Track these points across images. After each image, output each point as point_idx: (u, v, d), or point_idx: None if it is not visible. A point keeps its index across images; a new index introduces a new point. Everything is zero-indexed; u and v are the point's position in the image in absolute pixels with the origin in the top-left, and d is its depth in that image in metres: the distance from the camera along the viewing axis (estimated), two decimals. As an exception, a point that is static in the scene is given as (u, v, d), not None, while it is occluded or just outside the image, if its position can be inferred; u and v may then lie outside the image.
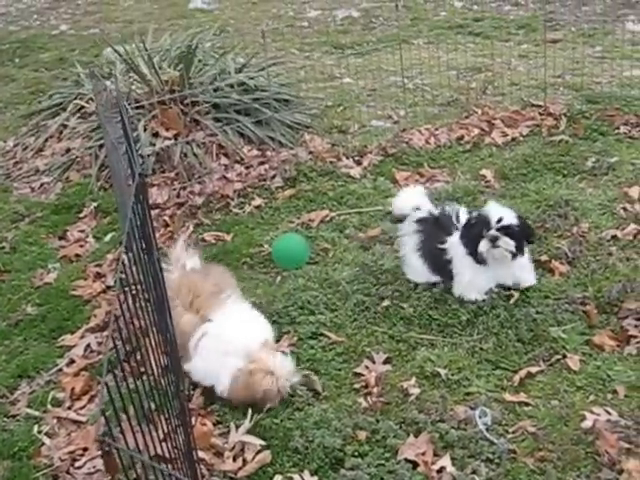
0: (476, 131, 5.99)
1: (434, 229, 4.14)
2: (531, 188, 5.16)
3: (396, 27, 8.71)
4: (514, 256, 3.92)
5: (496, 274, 4.02)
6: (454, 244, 4.03)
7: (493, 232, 3.85)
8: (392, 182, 5.42)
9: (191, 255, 4.12)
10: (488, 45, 8.00)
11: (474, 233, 3.91)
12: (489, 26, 8.87)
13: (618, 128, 5.90)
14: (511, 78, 7.11)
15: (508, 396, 3.42)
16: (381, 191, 5.30)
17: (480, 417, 3.26)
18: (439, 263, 4.10)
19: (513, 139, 5.88)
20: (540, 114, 6.19)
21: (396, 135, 6.05)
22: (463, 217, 4.11)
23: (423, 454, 3.11)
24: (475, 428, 3.23)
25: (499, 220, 3.86)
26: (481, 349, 3.71)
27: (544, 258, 4.31)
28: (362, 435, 3.25)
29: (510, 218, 3.90)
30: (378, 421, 3.31)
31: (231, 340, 3.53)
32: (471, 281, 4.01)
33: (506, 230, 3.86)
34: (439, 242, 4.08)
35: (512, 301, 3.98)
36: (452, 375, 3.55)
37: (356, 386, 3.58)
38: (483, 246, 3.87)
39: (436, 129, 6.09)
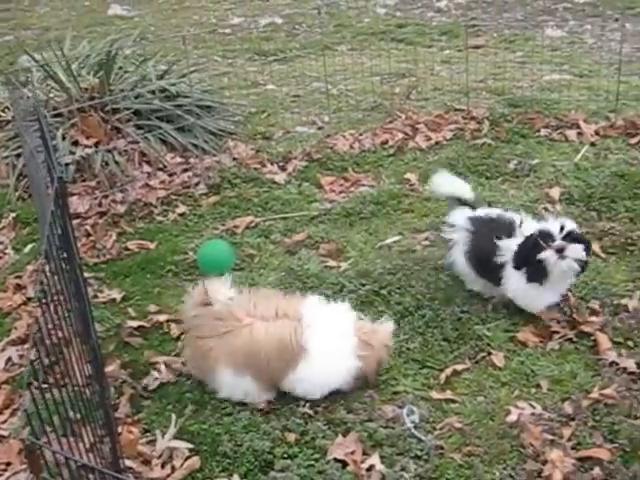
0: (400, 135, 6.12)
1: (490, 229, 3.95)
2: (455, 191, 5.29)
3: (319, 34, 8.85)
4: (583, 268, 3.79)
5: (554, 289, 3.87)
6: (510, 248, 3.84)
7: (559, 242, 3.68)
8: (317, 187, 5.51)
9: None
10: (411, 51, 8.17)
11: (533, 248, 3.70)
12: (412, 32, 9.07)
13: (539, 131, 6.10)
14: (434, 83, 7.29)
15: (435, 394, 3.51)
16: (306, 196, 5.38)
17: (408, 415, 3.34)
18: (489, 266, 3.93)
19: (437, 143, 6.03)
20: (463, 118, 6.36)
21: (320, 140, 6.15)
22: (528, 224, 3.91)
23: (352, 453, 3.17)
24: (403, 426, 3.30)
25: (562, 228, 3.70)
26: (408, 349, 3.80)
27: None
28: (291, 437, 3.30)
29: (571, 224, 3.76)
30: (307, 423, 3.36)
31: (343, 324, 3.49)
32: (529, 294, 3.87)
33: (572, 237, 3.70)
34: (494, 243, 3.88)
35: (437, 302, 4.09)
36: (379, 376, 3.63)
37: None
38: (549, 259, 3.67)
39: (360, 134, 6.21)
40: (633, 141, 5.88)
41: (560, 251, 3.67)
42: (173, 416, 3.46)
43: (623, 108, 6.35)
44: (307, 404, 3.45)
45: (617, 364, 3.57)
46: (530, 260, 3.73)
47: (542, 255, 3.68)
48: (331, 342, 3.43)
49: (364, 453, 3.18)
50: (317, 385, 3.47)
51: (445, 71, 7.71)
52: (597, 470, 3.02)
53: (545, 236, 3.70)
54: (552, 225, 3.76)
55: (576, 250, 3.70)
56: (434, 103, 6.79)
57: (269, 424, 3.36)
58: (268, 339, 3.37)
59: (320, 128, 6.53)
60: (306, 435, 3.30)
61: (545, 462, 3.08)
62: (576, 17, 9.38)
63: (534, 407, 3.38)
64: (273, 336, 3.38)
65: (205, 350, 3.44)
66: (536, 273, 3.75)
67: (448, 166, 5.59)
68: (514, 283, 3.88)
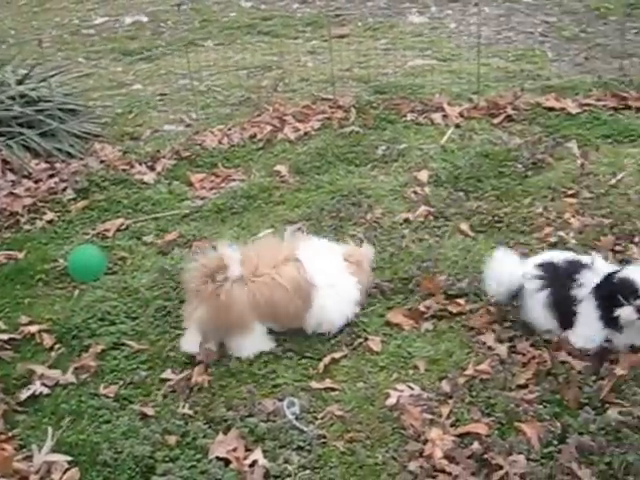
0: (268, 128, 6.08)
1: (561, 274, 3.64)
2: (325, 180, 5.32)
3: (185, 30, 8.72)
4: None
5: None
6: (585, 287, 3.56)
7: None
8: (187, 185, 5.42)
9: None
10: (277, 43, 8.16)
11: (614, 297, 3.43)
12: (278, 25, 9.02)
13: (405, 116, 6.18)
14: (301, 74, 7.29)
15: (314, 384, 3.50)
16: (176, 195, 5.30)
17: (288, 407, 3.32)
18: (565, 311, 3.61)
19: (305, 133, 6.02)
20: (330, 107, 6.37)
21: (189, 138, 6.06)
22: (599, 264, 3.63)
23: (234, 450, 3.13)
24: (284, 419, 3.28)
25: None
26: (285, 341, 3.78)
27: (342, 246, 4.45)
28: (172, 439, 3.23)
29: None
30: (187, 423, 3.31)
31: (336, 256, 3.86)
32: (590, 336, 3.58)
33: None
34: (568, 288, 3.59)
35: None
36: (259, 370, 3.60)
37: (163, 392, 3.55)
38: (628, 315, 3.40)
39: (229, 129, 6.14)
40: (496, 121, 6.03)
41: None
42: (49, 429, 3.36)
43: (485, 90, 6.49)
44: (186, 405, 3.40)
45: (490, 344, 3.65)
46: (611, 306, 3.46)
47: (621, 312, 3.43)
48: (333, 274, 3.77)
49: (246, 449, 3.15)
50: (334, 316, 3.77)
51: (311, 62, 7.71)
52: (476, 445, 3.07)
53: (626, 288, 3.41)
54: (636, 273, 3.44)
55: None
56: (301, 94, 6.79)
57: (149, 428, 3.29)
58: (283, 285, 3.63)
59: (188, 125, 6.43)
60: (187, 436, 3.25)
61: (426, 441, 3.13)
62: (437, 3, 9.52)
63: (412, 388, 3.42)
64: (286, 281, 3.64)
65: (228, 308, 3.55)
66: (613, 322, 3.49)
67: (317, 156, 5.61)
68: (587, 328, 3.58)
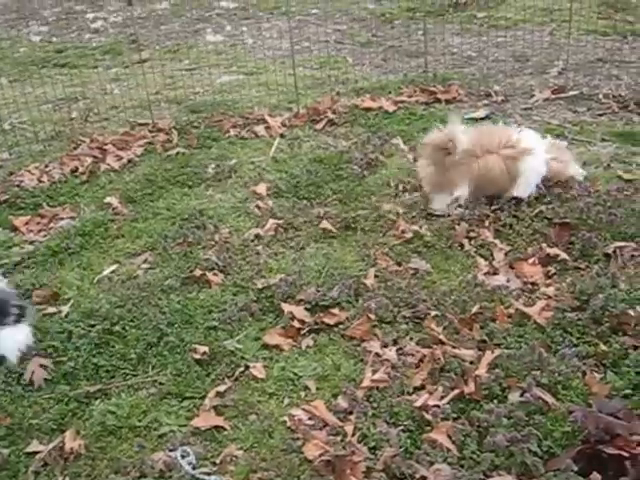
0: (89, 160, 5.49)
1: None
2: (161, 205, 4.85)
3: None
4: None
5: None
6: None
7: None
8: (12, 231, 4.74)
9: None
10: (77, 74, 7.53)
11: None
12: (73, 55, 8.33)
13: (228, 132, 5.83)
14: (110, 102, 6.71)
15: (203, 425, 3.05)
16: (2, 243, 4.60)
17: (183, 457, 2.85)
18: None
19: (129, 161, 5.51)
20: (150, 131, 5.90)
21: (4, 180, 5.35)
22: None
23: (133, 520, 2.64)
24: (181, 472, 2.80)
25: None
26: (161, 383, 3.30)
27: (198, 273, 4.01)
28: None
29: None
30: (69, 499, 2.77)
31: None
32: None
33: None
34: None
35: (177, 325, 3.62)
36: (139, 422, 3.09)
37: (34, 468, 2.95)
38: None
39: (46, 165, 5.49)
40: (318, 126, 5.81)
41: None
42: None
43: (300, 98, 6.24)
44: (66, 478, 2.84)
45: (376, 350, 3.35)
46: None
47: None
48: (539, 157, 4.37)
49: (148, 517, 2.66)
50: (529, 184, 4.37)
51: (117, 89, 7.14)
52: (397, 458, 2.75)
53: None
54: None
55: None
56: (116, 122, 6.25)
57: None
58: (495, 167, 4.28)
59: (1, 167, 5.69)
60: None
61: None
62: (231, 21, 9.24)
63: (309, 412, 3.05)
64: (498, 164, 4.28)
65: (449, 175, 4.32)
66: None
67: (147, 182, 5.13)
68: None
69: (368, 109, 5.99)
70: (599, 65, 6.64)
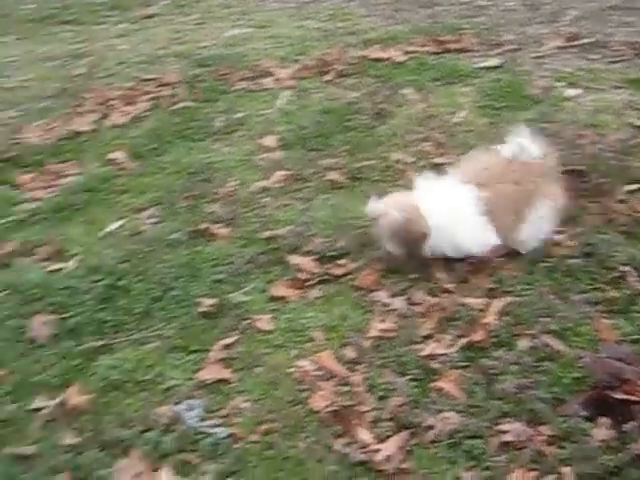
0: (94, 116, 5.40)
1: None
2: (168, 160, 4.75)
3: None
4: None
5: None
6: None
7: None
8: (16, 188, 4.65)
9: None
10: (84, 30, 7.41)
11: None
12: (80, 12, 8.18)
13: (235, 85, 5.70)
14: (117, 58, 6.59)
15: (209, 378, 2.99)
16: (7, 200, 4.48)
17: (188, 411, 2.80)
18: None
19: (135, 116, 5.40)
20: (157, 86, 5.79)
21: (9, 137, 5.27)
22: None
23: (140, 475, 2.56)
24: (187, 425, 2.75)
25: None
26: (166, 337, 3.24)
27: (203, 226, 3.93)
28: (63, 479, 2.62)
29: None
30: (77, 455, 2.68)
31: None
32: None
33: None
34: None
35: (182, 279, 3.55)
36: (144, 376, 3.03)
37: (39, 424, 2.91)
38: None
39: (52, 122, 5.40)
40: (327, 78, 5.66)
41: None
42: None
43: (309, 50, 6.11)
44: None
45: (385, 300, 3.28)
46: None
47: None
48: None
49: (153, 469, 2.59)
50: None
51: (125, 44, 7.01)
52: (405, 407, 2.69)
53: None
54: None
55: None
56: (122, 77, 6.12)
57: (32, 471, 2.66)
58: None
59: (6, 125, 5.61)
60: (80, 470, 2.63)
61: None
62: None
63: (316, 362, 2.98)
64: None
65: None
66: None
67: (154, 137, 5.04)
68: None
69: (377, 59, 5.84)
70: (612, 12, 6.45)
